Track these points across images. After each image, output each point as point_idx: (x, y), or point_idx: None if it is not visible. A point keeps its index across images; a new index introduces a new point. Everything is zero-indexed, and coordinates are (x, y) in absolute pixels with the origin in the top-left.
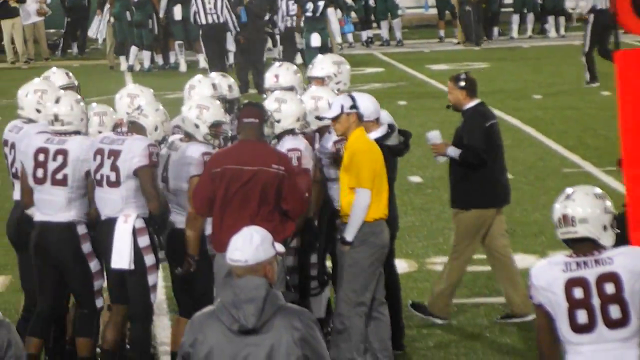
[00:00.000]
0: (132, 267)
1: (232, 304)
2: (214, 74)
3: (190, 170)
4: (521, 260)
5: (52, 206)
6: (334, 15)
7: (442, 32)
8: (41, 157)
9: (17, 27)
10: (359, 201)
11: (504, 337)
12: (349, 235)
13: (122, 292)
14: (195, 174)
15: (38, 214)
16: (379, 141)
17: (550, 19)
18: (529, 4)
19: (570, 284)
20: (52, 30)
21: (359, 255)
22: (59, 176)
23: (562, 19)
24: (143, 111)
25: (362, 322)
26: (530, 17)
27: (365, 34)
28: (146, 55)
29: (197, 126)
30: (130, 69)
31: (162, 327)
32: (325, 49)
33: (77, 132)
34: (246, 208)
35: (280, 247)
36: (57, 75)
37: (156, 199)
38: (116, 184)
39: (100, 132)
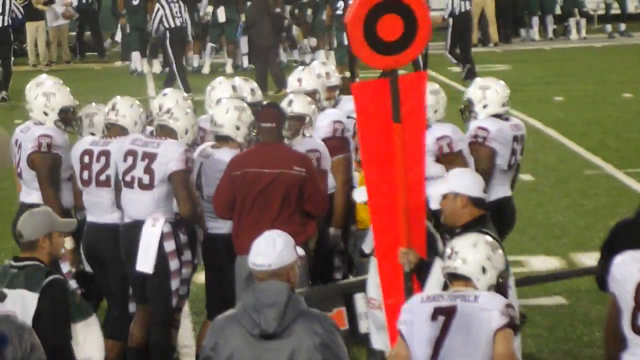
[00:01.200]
0: (155, 271)
1: (253, 308)
2: (236, 78)
3: (221, 177)
4: (543, 262)
5: (99, 208)
6: None
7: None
8: (86, 159)
9: (41, 30)
10: None
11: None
12: (367, 247)
13: (146, 292)
14: None
15: (88, 215)
16: None
17: (572, 21)
18: (548, 6)
19: None
20: (73, 34)
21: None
22: (102, 177)
23: (583, 21)
24: (174, 114)
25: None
26: (550, 19)
27: None
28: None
29: (238, 128)
30: (135, 72)
31: (184, 329)
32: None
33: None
34: (267, 211)
35: (301, 251)
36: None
37: (189, 202)
38: (149, 186)
39: (92, 134)
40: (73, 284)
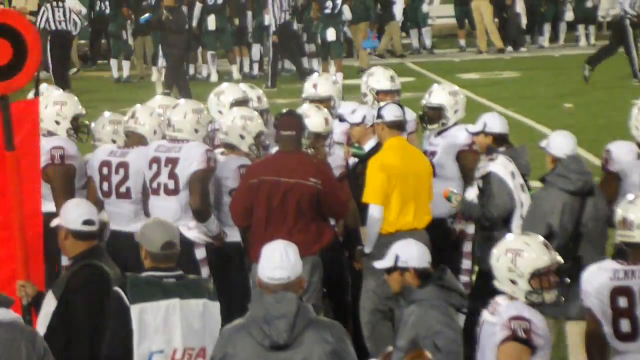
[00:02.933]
0: None
1: (263, 320)
2: (242, 84)
3: (228, 184)
4: None
5: (122, 218)
6: (348, 11)
7: (462, 42)
8: (105, 170)
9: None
10: (369, 216)
11: None
12: (367, 247)
13: None
14: (233, 188)
15: (112, 224)
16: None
17: (581, 28)
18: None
19: (616, 292)
20: (82, 42)
21: (368, 264)
22: (122, 189)
23: (592, 28)
24: (138, 119)
25: (387, 328)
26: (563, 26)
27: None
28: (125, 65)
29: (242, 137)
30: (117, 80)
31: None
32: (340, 42)
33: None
34: (283, 220)
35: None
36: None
37: (199, 197)
38: (174, 192)
39: (113, 141)
40: None
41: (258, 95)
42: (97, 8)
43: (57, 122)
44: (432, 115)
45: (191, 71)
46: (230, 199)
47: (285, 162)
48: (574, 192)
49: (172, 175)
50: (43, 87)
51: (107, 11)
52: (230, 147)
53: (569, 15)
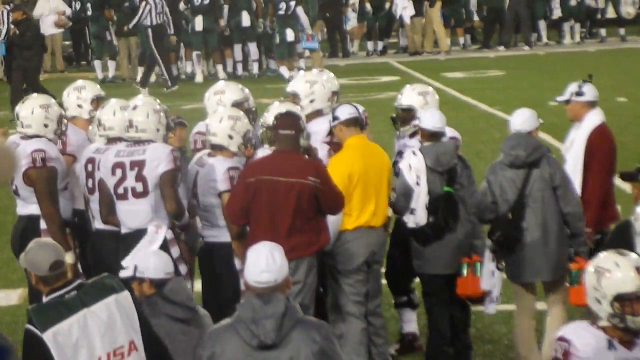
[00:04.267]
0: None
1: (250, 321)
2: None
3: (217, 187)
4: None
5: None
6: (302, 12)
7: (448, 41)
8: (89, 167)
9: None
10: (328, 215)
11: None
12: (328, 245)
13: None
14: (222, 190)
15: (94, 222)
16: None
17: (566, 26)
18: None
19: None
20: (67, 43)
21: (329, 262)
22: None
23: (577, 26)
24: (105, 125)
25: (356, 326)
26: (543, 25)
27: (381, 44)
28: (111, 65)
29: (231, 137)
30: (103, 80)
31: None
32: (296, 42)
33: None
34: (282, 220)
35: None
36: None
37: (174, 200)
38: (144, 194)
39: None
40: None
41: (240, 87)
42: (75, 9)
43: (46, 125)
44: (404, 117)
45: (174, 71)
46: (219, 200)
47: (284, 161)
48: (511, 166)
49: (140, 178)
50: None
51: (89, 13)
52: (219, 148)
53: (556, 13)
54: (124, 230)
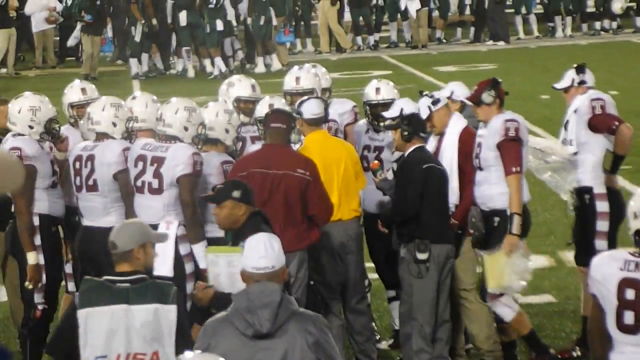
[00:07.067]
0: (173, 274)
1: (246, 310)
2: (234, 76)
3: (211, 181)
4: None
5: (93, 212)
6: (229, 5)
7: (440, 34)
8: (77, 165)
9: (13, 38)
10: None
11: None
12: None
13: None
14: (216, 184)
15: (84, 220)
16: None
17: (557, 19)
18: (529, 5)
19: (624, 284)
20: (57, 39)
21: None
22: (90, 182)
23: (568, 19)
24: (94, 119)
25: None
26: (533, 18)
27: (372, 38)
28: (144, 59)
29: (227, 131)
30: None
31: None
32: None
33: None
34: (273, 213)
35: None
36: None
37: (189, 208)
38: (159, 191)
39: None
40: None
41: (252, 84)
42: (66, 4)
43: (31, 127)
44: (383, 112)
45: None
46: None
47: (274, 154)
48: None
49: (157, 175)
50: (26, 93)
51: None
52: (213, 143)
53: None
54: None
